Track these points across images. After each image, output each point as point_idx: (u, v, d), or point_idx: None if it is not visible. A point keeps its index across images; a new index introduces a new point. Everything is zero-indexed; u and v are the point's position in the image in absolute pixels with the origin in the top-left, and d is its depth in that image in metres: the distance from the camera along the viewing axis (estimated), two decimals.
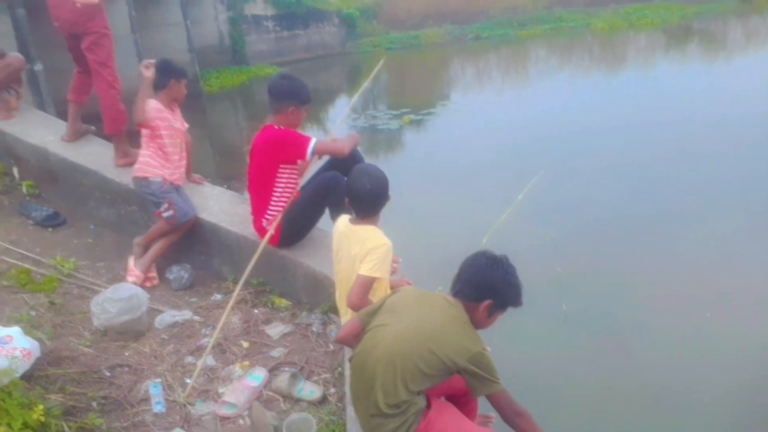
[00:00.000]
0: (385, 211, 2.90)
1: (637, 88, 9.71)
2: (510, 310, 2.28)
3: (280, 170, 3.56)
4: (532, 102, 10.14)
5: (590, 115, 8.46)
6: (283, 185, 3.60)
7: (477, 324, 2.25)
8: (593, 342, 4.09)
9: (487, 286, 2.22)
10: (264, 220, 3.64)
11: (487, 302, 2.21)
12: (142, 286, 3.76)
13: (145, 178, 3.95)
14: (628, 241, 5.17)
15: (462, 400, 2.62)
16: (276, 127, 3.49)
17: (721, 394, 3.56)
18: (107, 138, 4.59)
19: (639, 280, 4.67)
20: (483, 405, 3.05)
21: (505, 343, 3.85)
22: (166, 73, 3.99)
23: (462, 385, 2.53)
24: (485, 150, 7.54)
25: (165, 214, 3.88)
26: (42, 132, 4.79)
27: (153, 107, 3.90)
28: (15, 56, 4.92)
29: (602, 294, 4.54)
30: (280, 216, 3.58)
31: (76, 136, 4.71)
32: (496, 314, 2.27)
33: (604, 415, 3.52)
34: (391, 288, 3.07)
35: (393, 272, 3.22)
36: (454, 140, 8.42)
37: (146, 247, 3.99)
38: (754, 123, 7.41)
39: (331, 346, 3.35)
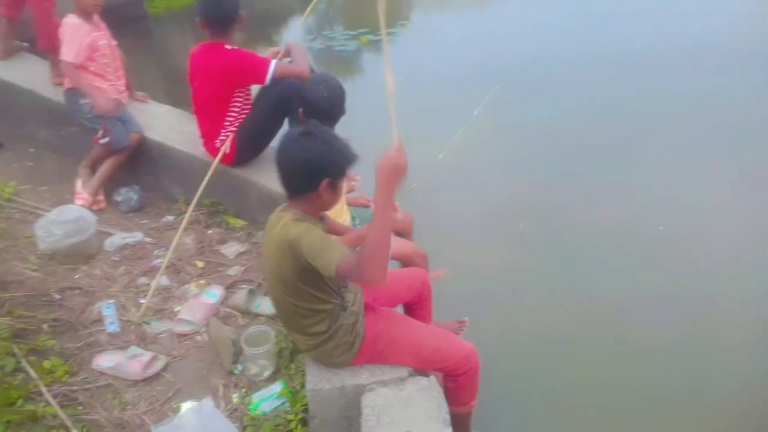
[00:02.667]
0: (342, 128, 2.81)
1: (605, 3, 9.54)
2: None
3: (236, 94, 3.39)
4: (493, 22, 9.91)
5: (553, 34, 8.33)
6: (238, 108, 3.45)
7: (324, 206, 2.10)
8: (547, 261, 4.17)
9: (315, 169, 1.98)
10: (217, 141, 3.50)
11: (324, 182, 1.99)
12: (89, 209, 3.62)
13: (74, 90, 3.69)
14: (588, 163, 5.20)
15: (415, 307, 2.66)
16: (228, 47, 3.28)
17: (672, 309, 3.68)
18: (42, 55, 4.30)
19: (596, 199, 4.73)
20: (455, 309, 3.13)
21: (460, 260, 3.92)
22: None
23: (411, 291, 2.56)
24: (444, 70, 7.38)
25: (102, 141, 3.70)
26: None
27: (68, 23, 3.61)
28: None
29: (559, 215, 4.59)
30: (233, 134, 3.45)
31: (8, 53, 4.41)
32: (338, 184, 2.05)
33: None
34: (349, 206, 3.03)
35: (350, 190, 3.18)
36: (413, 61, 8.20)
37: (93, 170, 3.83)
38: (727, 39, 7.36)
39: None
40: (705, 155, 5.14)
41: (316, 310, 2.11)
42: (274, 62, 3.30)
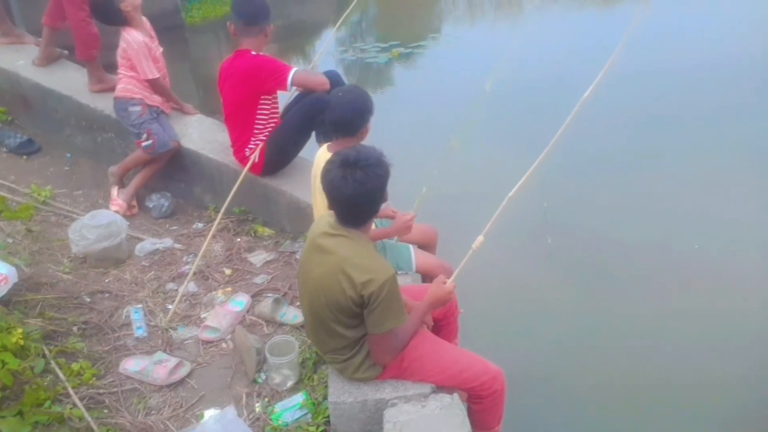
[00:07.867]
0: (370, 140, 2.80)
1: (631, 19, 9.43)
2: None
3: (262, 101, 3.43)
4: (524, 36, 9.86)
5: (583, 51, 8.26)
6: (266, 116, 3.48)
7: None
8: (574, 275, 4.09)
9: (378, 196, 2.07)
10: (247, 150, 3.54)
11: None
12: (123, 215, 3.70)
13: (125, 98, 3.78)
14: (619, 178, 5.10)
15: (440, 324, 2.62)
16: (253, 53, 3.33)
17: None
18: (81, 63, 4.41)
19: (627, 216, 4.63)
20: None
21: (489, 275, 3.87)
22: None
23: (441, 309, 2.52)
24: (474, 86, 7.36)
25: (144, 144, 3.77)
26: (12, 56, 4.59)
27: (133, 41, 3.70)
28: None
29: (588, 230, 4.51)
30: (263, 144, 3.49)
31: (48, 60, 4.51)
32: None
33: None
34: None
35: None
36: (443, 74, 8.21)
37: (121, 177, 3.91)
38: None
39: None
40: (739, 171, 5.01)
41: (349, 335, 2.14)
42: (294, 69, 3.33)
